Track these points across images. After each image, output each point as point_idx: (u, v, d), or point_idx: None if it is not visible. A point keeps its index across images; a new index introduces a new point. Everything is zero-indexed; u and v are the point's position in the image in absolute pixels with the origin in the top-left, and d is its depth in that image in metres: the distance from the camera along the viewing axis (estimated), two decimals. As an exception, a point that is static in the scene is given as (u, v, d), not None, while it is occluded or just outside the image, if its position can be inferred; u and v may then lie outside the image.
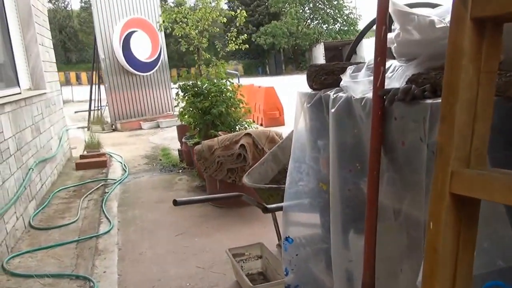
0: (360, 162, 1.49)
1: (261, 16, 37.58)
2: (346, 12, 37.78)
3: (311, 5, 38.21)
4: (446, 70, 0.82)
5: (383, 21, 1.27)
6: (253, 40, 33.59)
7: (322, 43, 29.70)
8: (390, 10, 1.30)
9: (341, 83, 1.49)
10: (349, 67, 1.53)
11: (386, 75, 1.32)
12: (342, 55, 29.89)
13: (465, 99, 0.80)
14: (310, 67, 1.83)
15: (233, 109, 5.02)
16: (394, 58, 1.46)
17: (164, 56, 11.06)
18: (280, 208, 1.93)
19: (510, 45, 1.02)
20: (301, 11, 37.83)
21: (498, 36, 0.80)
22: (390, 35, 1.39)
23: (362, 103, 1.40)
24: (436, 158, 0.84)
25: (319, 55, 28.43)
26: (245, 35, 6.70)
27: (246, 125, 5.08)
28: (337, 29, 37.51)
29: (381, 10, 1.27)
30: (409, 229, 1.28)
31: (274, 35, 35.53)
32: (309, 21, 38.82)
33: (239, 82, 7.34)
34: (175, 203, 2.15)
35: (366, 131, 1.40)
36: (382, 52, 1.27)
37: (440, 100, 1.07)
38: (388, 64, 1.40)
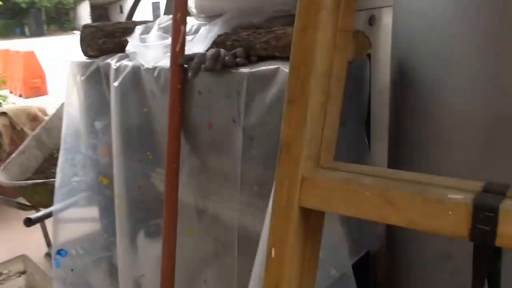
0: (152, 150, 1.16)
1: (16, -28, 32.51)
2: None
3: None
4: (296, 29, 0.56)
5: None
6: (9, -3, 28.98)
7: (88, 1, 27.62)
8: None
9: (127, 48, 1.11)
10: (138, 27, 1.17)
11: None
12: (108, 14, 28.18)
13: (321, 72, 0.55)
14: (84, 28, 1.37)
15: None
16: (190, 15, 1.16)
17: None
18: (49, 215, 1.47)
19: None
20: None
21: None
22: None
23: (155, 74, 1.06)
24: (280, 159, 0.58)
25: (85, 15, 26.47)
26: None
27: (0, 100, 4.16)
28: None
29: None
30: (217, 232, 1.03)
31: (33, -8, 31.30)
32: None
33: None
34: None
35: (160, 110, 1.08)
36: (183, 6, 0.96)
37: (259, 68, 0.84)
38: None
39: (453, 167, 0.75)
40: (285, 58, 0.85)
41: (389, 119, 0.91)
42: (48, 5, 32.27)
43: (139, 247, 1.30)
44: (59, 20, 34.24)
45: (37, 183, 1.81)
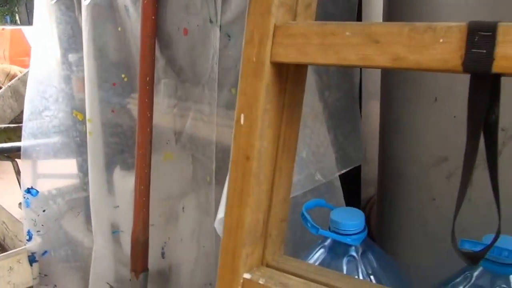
0: (127, 72, 1.09)
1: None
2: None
3: None
4: None
5: None
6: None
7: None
8: None
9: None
10: None
11: None
12: None
13: None
14: None
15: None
16: None
17: None
18: (17, 149, 1.39)
19: None
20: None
21: None
22: None
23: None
24: (250, 8, 0.51)
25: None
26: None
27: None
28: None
29: None
30: (194, 151, 0.97)
31: (24, -22, 30.73)
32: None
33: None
34: None
35: (135, 26, 1.01)
36: None
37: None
38: None
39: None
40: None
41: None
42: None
43: (115, 181, 1.23)
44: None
45: (9, 127, 1.73)
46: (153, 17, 0.91)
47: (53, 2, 1.26)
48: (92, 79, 1.12)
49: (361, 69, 0.91)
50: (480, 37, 0.39)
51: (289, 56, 0.49)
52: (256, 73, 0.51)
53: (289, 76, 0.54)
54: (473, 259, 0.48)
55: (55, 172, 1.44)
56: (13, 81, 2.11)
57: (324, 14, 0.75)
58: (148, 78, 0.93)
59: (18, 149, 1.36)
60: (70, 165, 1.44)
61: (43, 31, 1.32)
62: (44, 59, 1.33)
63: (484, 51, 0.39)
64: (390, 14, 0.82)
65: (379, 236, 0.93)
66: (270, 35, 0.50)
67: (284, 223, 0.61)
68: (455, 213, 0.48)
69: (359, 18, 0.88)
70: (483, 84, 0.43)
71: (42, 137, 1.38)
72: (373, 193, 1.01)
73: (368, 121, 0.94)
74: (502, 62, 0.39)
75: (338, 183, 0.76)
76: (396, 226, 0.83)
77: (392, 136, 0.82)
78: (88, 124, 1.14)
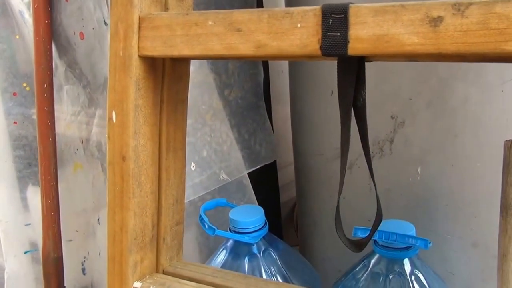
0: (28, 80, 1.02)
1: None
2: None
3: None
4: None
5: None
6: None
7: None
8: None
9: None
10: None
11: None
12: None
13: None
14: None
15: None
16: None
17: None
18: None
19: None
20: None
21: None
22: None
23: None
24: (112, 0, 0.48)
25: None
26: None
27: None
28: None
29: None
30: (103, 159, 0.92)
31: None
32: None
33: None
34: None
35: (31, 34, 0.95)
36: None
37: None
38: None
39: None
40: None
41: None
42: None
43: (28, 199, 1.16)
44: None
45: None
46: (46, 22, 0.86)
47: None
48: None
49: (267, 67, 0.90)
50: (334, 20, 0.38)
51: (156, 49, 0.47)
52: (124, 68, 0.48)
53: (166, 71, 0.52)
54: (358, 245, 0.47)
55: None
56: None
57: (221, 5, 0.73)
58: (45, 85, 0.87)
59: None
60: None
61: None
62: None
63: (339, 33, 0.38)
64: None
65: (301, 234, 0.92)
66: (135, 28, 0.47)
67: (180, 226, 0.58)
68: (338, 199, 0.47)
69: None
70: (348, 68, 0.42)
71: None
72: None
73: (285, 124, 0.93)
74: (356, 44, 0.38)
75: (247, 182, 0.74)
76: (311, 221, 0.83)
77: (299, 131, 0.82)
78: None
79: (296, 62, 0.76)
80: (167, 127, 0.53)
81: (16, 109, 1.04)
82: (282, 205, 1.02)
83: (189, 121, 0.59)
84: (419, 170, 0.62)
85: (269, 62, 0.91)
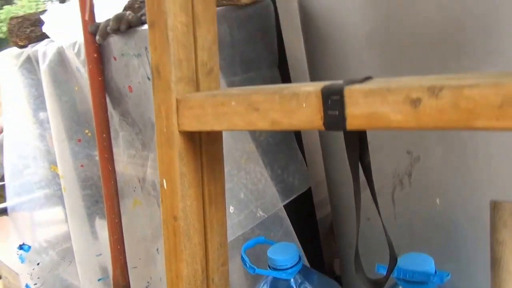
0: (89, 127, 1.16)
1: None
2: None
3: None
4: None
5: None
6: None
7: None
8: None
9: (43, 28, 1.11)
10: (50, 9, 1.16)
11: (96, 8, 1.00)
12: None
13: (175, -9, 0.55)
14: (11, 20, 1.37)
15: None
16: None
17: None
18: (4, 211, 1.46)
19: None
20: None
21: None
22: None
23: (75, 50, 1.05)
24: (154, 86, 0.58)
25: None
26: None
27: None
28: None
29: None
30: (158, 197, 1.03)
31: (11, 21, 30.99)
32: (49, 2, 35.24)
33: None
34: None
35: (85, 82, 1.07)
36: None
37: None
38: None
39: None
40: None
41: (306, 60, 0.91)
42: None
43: (98, 231, 1.30)
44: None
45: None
46: (99, 79, 0.98)
47: (16, 68, 1.33)
48: (59, 137, 1.19)
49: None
50: (332, 100, 0.45)
51: (193, 125, 0.55)
52: (168, 143, 0.57)
53: (202, 139, 0.60)
54: (378, 285, 0.54)
55: (43, 225, 1.51)
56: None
57: (246, 60, 0.81)
58: (104, 135, 0.99)
59: (3, 210, 1.43)
60: (57, 215, 1.51)
61: (11, 94, 1.40)
62: (16, 121, 1.41)
63: (337, 112, 0.45)
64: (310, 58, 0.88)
65: (340, 257, 0.98)
66: (174, 109, 0.56)
67: (225, 267, 0.67)
68: (356, 243, 0.54)
69: (283, 57, 0.94)
70: (352, 137, 0.49)
71: (26, 195, 1.45)
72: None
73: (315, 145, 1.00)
74: (353, 120, 0.45)
75: (283, 214, 0.82)
76: (347, 246, 0.89)
77: (329, 162, 0.88)
78: (61, 180, 1.20)
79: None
80: (208, 186, 0.61)
81: (81, 154, 1.18)
82: (320, 220, 1.08)
83: (226, 169, 0.68)
84: (437, 201, 0.67)
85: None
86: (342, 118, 0.45)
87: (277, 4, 0.90)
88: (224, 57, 0.78)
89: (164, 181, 0.59)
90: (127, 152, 1.06)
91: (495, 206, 0.42)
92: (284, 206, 0.82)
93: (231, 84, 0.78)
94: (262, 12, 0.86)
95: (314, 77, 0.89)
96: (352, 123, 0.45)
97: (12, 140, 1.41)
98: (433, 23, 0.66)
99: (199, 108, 0.54)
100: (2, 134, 1.92)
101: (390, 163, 0.70)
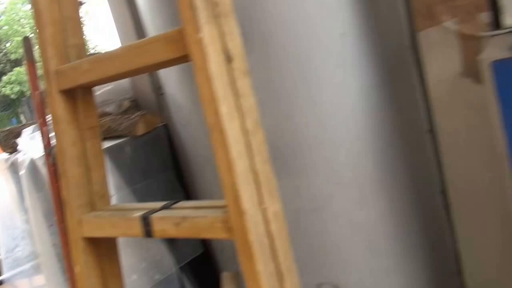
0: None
1: (1, 64, 33.75)
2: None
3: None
4: (55, 135, 0.95)
5: (36, 87, 1.37)
6: (-2, 91, 29.92)
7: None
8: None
9: (19, 145, 1.52)
10: (26, 129, 1.59)
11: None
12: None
13: (73, 155, 0.94)
14: (1, 132, 1.83)
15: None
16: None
17: None
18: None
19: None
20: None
21: (90, 98, 0.97)
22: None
23: (43, 161, 1.46)
24: (65, 210, 0.97)
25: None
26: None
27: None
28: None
29: (32, 78, 1.37)
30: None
31: (21, 82, 32.38)
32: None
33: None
34: None
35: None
36: (42, 114, 1.37)
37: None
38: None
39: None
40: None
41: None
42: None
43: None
44: (49, 101, 34.75)
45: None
46: (57, 186, 1.38)
47: (7, 169, 1.75)
48: (37, 224, 1.58)
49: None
50: (145, 221, 0.84)
51: (94, 233, 0.94)
52: (76, 244, 0.95)
53: (100, 242, 0.98)
54: None
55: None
56: None
57: (145, 171, 1.21)
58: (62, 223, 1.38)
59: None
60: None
61: (4, 189, 1.81)
62: (8, 209, 1.82)
63: (149, 228, 0.84)
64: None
65: None
66: (80, 225, 0.95)
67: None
68: None
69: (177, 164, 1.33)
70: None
71: (19, 267, 1.84)
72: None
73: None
74: (156, 233, 0.83)
75: (173, 275, 1.18)
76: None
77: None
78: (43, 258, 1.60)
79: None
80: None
81: (53, 234, 1.57)
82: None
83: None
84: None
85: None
86: (152, 231, 0.83)
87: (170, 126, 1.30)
88: (127, 171, 1.16)
89: (76, 267, 0.96)
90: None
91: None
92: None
93: (134, 190, 1.16)
94: (155, 137, 1.26)
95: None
96: (157, 235, 0.83)
97: (5, 225, 1.82)
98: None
99: (97, 223, 0.93)
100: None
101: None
